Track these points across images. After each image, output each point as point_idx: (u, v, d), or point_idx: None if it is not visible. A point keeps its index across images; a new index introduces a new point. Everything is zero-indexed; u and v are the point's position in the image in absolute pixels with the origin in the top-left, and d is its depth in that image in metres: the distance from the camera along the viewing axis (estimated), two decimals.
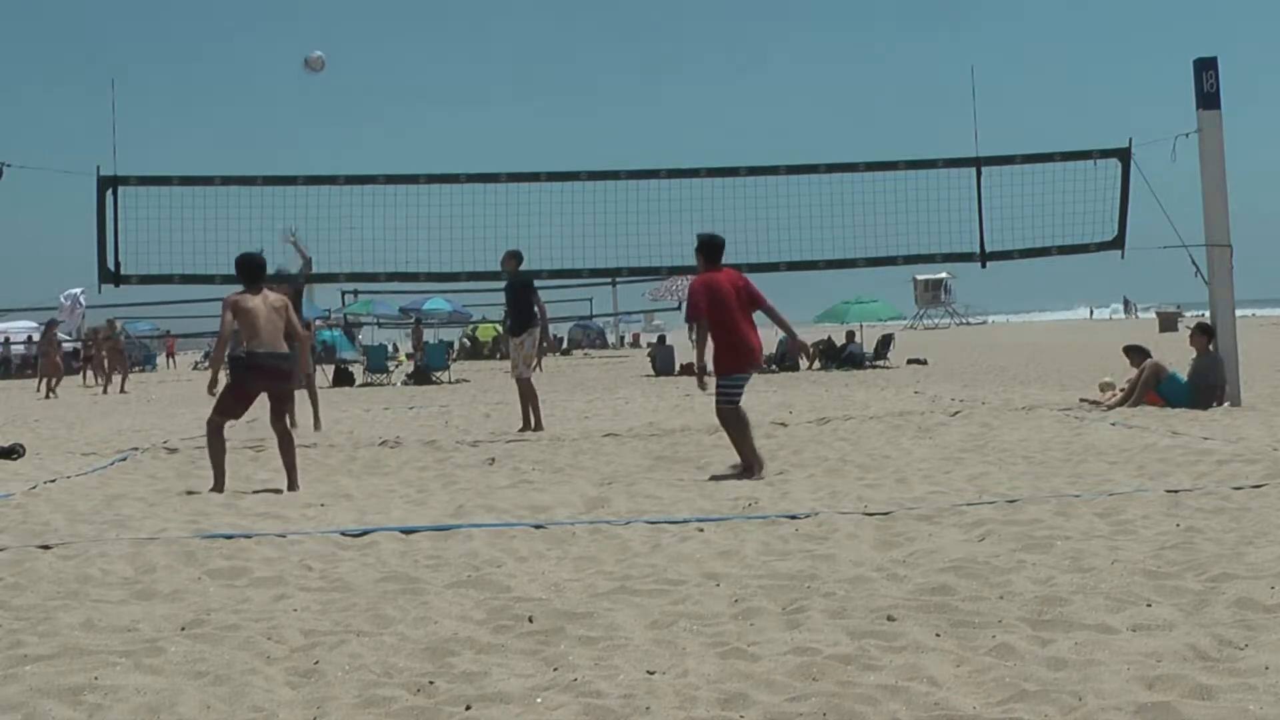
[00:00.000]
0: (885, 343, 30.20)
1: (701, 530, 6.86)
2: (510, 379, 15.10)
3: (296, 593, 5.55)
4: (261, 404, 9.59)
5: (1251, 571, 5.27)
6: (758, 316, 9.68)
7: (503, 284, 14.39)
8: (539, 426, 13.67)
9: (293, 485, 9.23)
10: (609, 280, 35.88)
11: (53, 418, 18.82)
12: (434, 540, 6.75)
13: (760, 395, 19.47)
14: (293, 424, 12.11)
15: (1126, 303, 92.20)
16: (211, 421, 9.31)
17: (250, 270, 9.46)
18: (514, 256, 13.68)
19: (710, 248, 9.60)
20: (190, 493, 9.02)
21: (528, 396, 13.78)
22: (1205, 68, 13.65)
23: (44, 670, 4.32)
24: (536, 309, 13.87)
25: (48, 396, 26.17)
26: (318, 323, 35.48)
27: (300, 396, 12.60)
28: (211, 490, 9.04)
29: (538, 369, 14.42)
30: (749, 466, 9.25)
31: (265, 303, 9.35)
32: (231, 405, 9.37)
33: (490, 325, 44.71)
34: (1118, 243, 14.33)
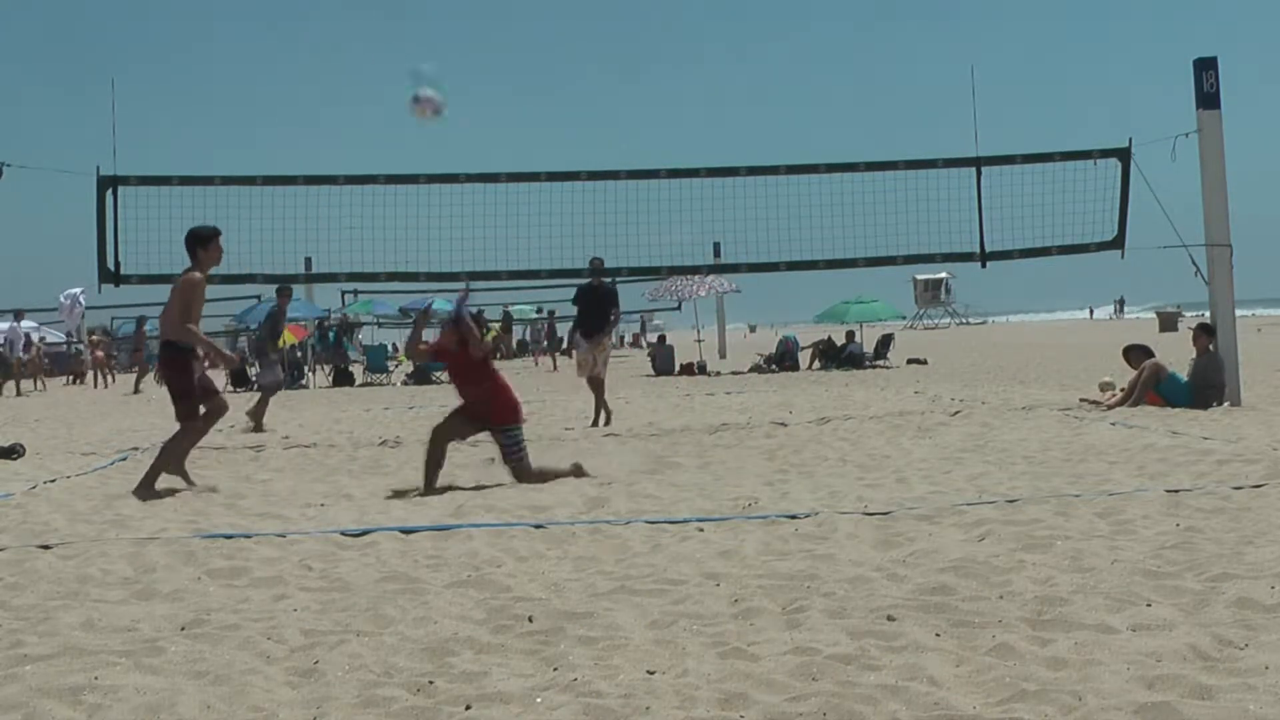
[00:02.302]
0: (885, 342, 30.22)
1: (701, 530, 6.86)
2: (582, 379, 15.55)
3: (296, 593, 5.55)
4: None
5: (1251, 571, 5.27)
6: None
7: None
8: (609, 421, 14.29)
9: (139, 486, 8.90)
10: (609, 280, 35.78)
11: (53, 418, 18.82)
12: (434, 540, 6.75)
13: (760, 395, 19.48)
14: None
15: (1119, 303, 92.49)
16: None
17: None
18: (602, 261, 14.53)
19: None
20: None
21: (600, 392, 14.57)
22: (1205, 68, 13.66)
23: (44, 670, 4.32)
24: (613, 315, 14.94)
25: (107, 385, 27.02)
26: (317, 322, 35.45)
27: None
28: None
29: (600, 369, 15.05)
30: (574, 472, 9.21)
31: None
32: None
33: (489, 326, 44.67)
34: (1118, 243, 14.33)
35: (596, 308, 14.75)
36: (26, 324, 38.45)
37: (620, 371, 31.74)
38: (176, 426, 9.25)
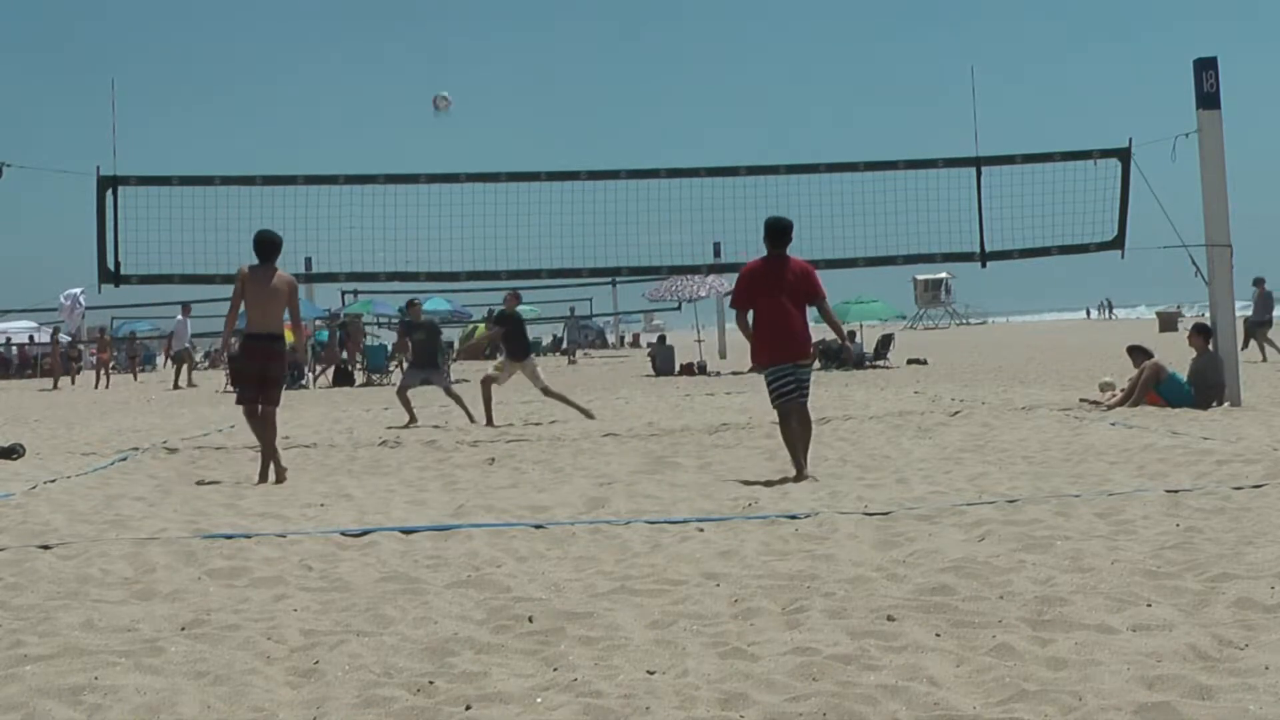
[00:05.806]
0: (885, 343, 30.20)
1: (701, 530, 6.86)
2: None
3: (296, 593, 5.55)
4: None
5: (1251, 571, 5.27)
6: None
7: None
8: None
9: (275, 477, 9.58)
10: (609, 280, 35.91)
11: (53, 418, 18.82)
12: (434, 540, 6.75)
13: (760, 395, 19.43)
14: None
15: (1110, 304, 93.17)
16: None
17: (260, 246, 9.91)
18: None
19: (773, 233, 9.36)
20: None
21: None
22: (1205, 68, 13.66)
23: (44, 670, 4.32)
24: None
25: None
26: (318, 323, 35.42)
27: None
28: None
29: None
30: (798, 472, 8.91)
31: (269, 281, 9.76)
32: (240, 388, 10.02)
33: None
34: (1118, 243, 14.33)
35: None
36: (28, 324, 38.56)
37: (620, 371, 31.77)
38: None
